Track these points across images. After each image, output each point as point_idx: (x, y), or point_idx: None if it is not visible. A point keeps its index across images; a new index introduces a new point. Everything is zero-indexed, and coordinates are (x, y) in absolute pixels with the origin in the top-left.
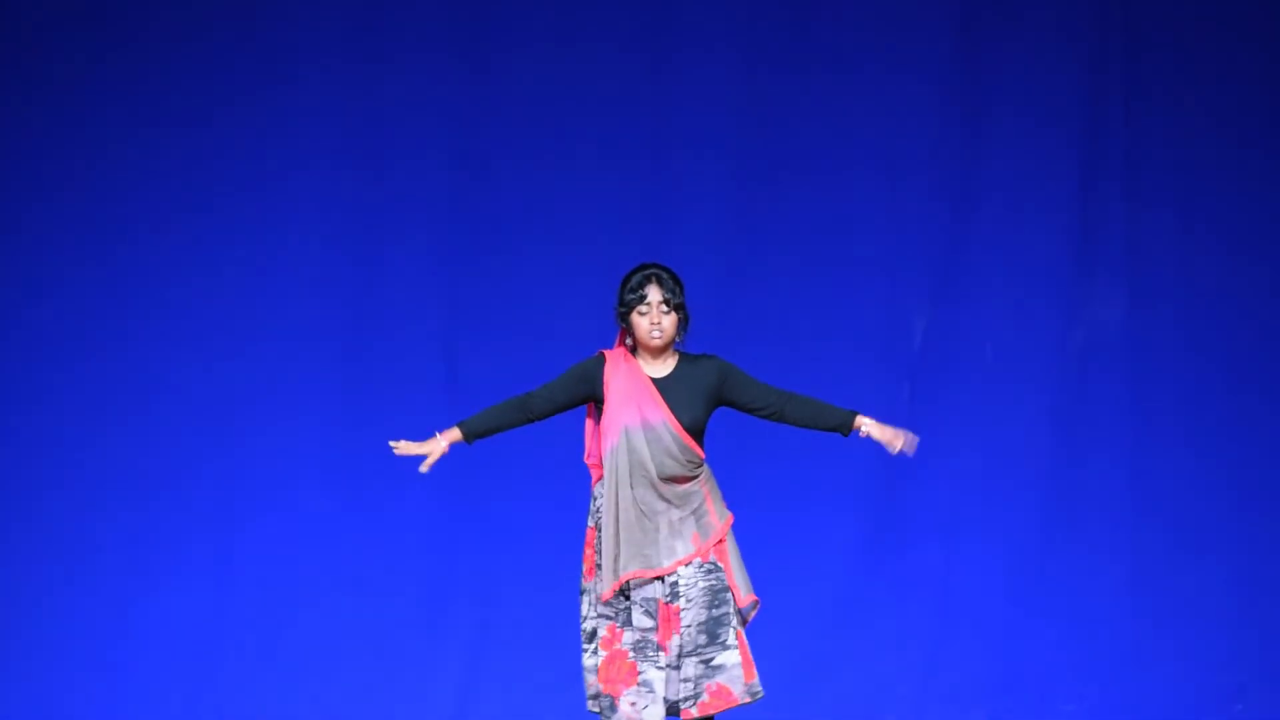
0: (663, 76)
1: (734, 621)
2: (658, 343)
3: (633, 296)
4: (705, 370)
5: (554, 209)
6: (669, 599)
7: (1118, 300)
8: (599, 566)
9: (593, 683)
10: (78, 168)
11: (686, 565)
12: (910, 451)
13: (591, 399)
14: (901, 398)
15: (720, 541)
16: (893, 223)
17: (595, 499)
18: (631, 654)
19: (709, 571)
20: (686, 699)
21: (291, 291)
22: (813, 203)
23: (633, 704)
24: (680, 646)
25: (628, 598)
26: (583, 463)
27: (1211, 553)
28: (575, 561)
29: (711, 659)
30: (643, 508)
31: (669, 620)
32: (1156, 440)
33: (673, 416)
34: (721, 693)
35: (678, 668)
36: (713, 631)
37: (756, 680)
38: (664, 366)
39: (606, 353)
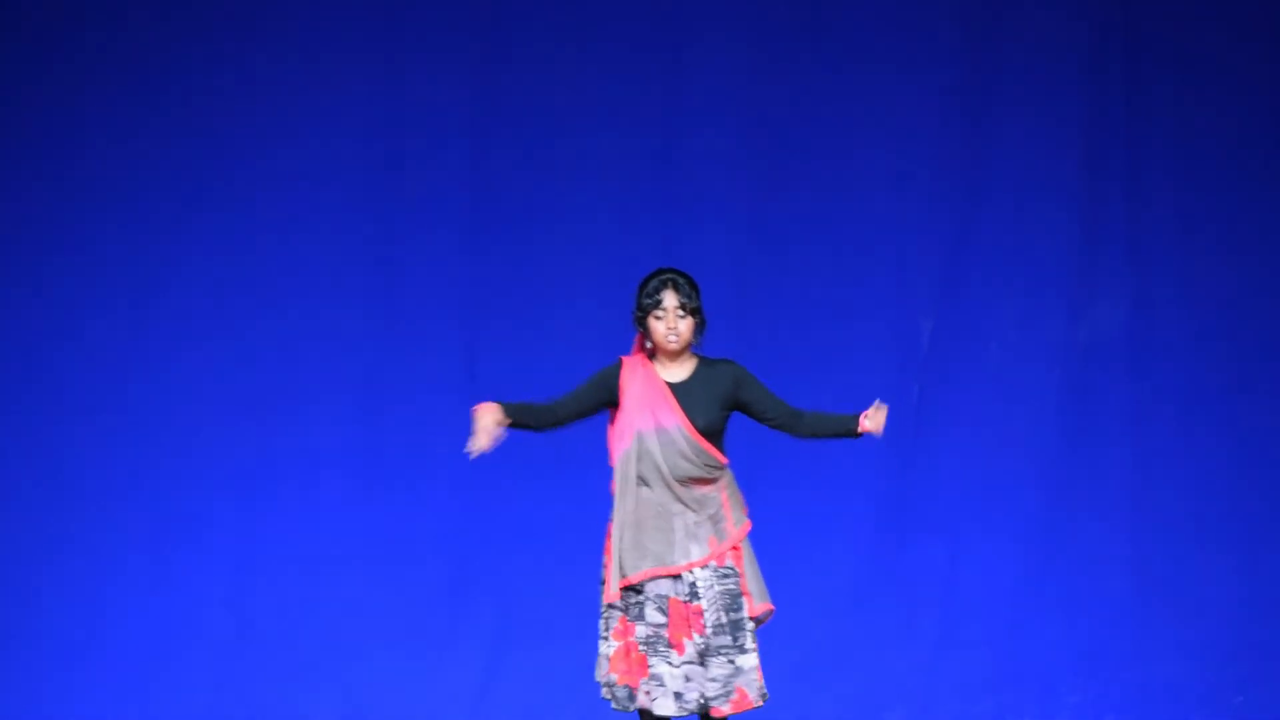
0: (673, 79)
1: (749, 625)
2: (674, 346)
3: (649, 301)
4: (722, 374)
5: (570, 212)
6: (687, 598)
7: (1120, 299)
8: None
9: (605, 671)
10: (102, 170)
11: (703, 568)
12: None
13: (611, 404)
14: (910, 397)
15: (735, 547)
16: (900, 226)
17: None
18: (642, 647)
19: (724, 575)
20: (717, 697)
21: (314, 293)
22: (821, 206)
23: (647, 693)
24: (703, 646)
25: (640, 593)
26: (604, 457)
27: (1213, 547)
28: (596, 551)
29: (733, 660)
30: (658, 509)
31: (686, 619)
32: (1159, 437)
33: (687, 420)
34: (741, 695)
35: (703, 665)
36: (734, 634)
37: (764, 682)
38: (681, 370)
39: (625, 359)
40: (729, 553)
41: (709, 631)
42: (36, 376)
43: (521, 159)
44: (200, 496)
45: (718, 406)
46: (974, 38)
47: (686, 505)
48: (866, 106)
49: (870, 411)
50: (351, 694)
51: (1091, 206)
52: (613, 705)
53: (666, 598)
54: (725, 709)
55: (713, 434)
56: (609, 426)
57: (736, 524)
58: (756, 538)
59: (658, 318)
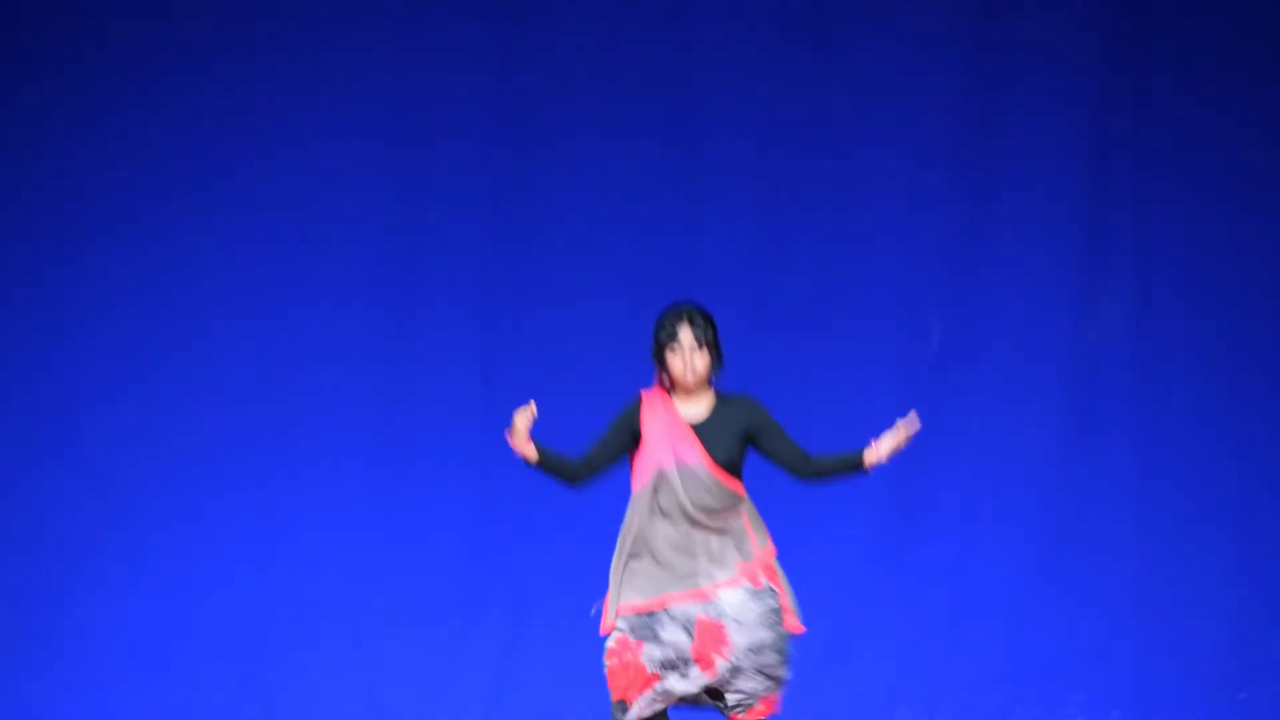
0: (689, 86)
1: (789, 643)
2: (691, 381)
3: (665, 336)
4: (740, 410)
5: (587, 214)
6: (717, 617)
7: (1126, 301)
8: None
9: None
10: (125, 175)
11: (731, 589)
12: (915, 428)
13: (636, 441)
14: (920, 397)
15: (769, 567)
16: (908, 229)
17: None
18: (653, 668)
19: (763, 595)
20: (736, 707)
21: (334, 295)
22: (832, 210)
23: (648, 704)
24: (732, 667)
25: (653, 616)
26: (623, 460)
27: (1217, 546)
28: (611, 550)
29: (776, 674)
30: (679, 540)
31: (715, 638)
32: (1164, 438)
33: (708, 456)
34: (769, 702)
35: (729, 680)
36: (780, 648)
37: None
38: (700, 406)
39: (644, 393)
40: (762, 573)
41: (746, 651)
42: (59, 373)
43: (539, 162)
44: (219, 495)
45: (737, 442)
46: (982, 43)
47: (709, 531)
48: (876, 111)
49: (881, 447)
50: (369, 692)
51: (1098, 209)
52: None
53: (694, 618)
54: (741, 717)
55: (733, 468)
56: (630, 459)
57: (761, 545)
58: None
59: (674, 352)
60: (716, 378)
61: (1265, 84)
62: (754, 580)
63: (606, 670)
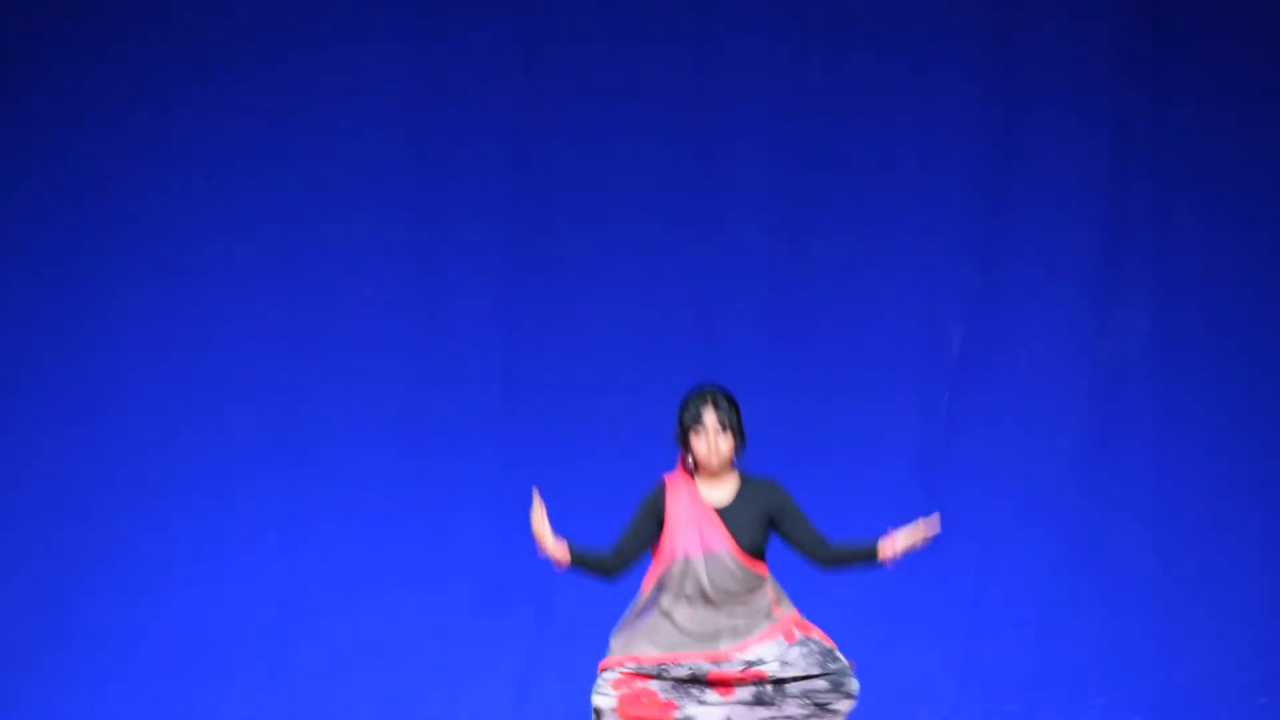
0: (710, 88)
1: (851, 672)
2: (715, 463)
3: (690, 419)
4: (764, 494)
5: (608, 217)
6: (740, 668)
7: (1146, 308)
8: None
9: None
10: (151, 176)
11: (762, 642)
12: (935, 530)
13: (661, 525)
14: (942, 404)
15: (799, 622)
16: (930, 235)
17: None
18: (665, 694)
19: (804, 643)
20: None
21: (355, 303)
22: (854, 217)
23: None
24: (765, 695)
25: (662, 665)
26: (640, 456)
27: (1237, 550)
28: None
29: (829, 704)
30: (701, 619)
31: (735, 677)
32: (1184, 442)
33: (734, 543)
34: None
35: (761, 705)
36: (836, 682)
37: None
38: (724, 490)
39: (667, 477)
40: (795, 628)
41: (792, 680)
42: (88, 383)
43: (561, 165)
44: (244, 499)
45: (761, 526)
46: (1002, 55)
47: (735, 613)
48: (897, 119)
49: (899, 540)
50: (392, 701)
51: (1117, 219)
52: None
53: (705, 671)
54: None
55: (758, 553)
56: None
57: (785, 611)
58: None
59: (698, 435)
60: (739, 460)
61: None
62: (788, 636)
63: (612, 705)
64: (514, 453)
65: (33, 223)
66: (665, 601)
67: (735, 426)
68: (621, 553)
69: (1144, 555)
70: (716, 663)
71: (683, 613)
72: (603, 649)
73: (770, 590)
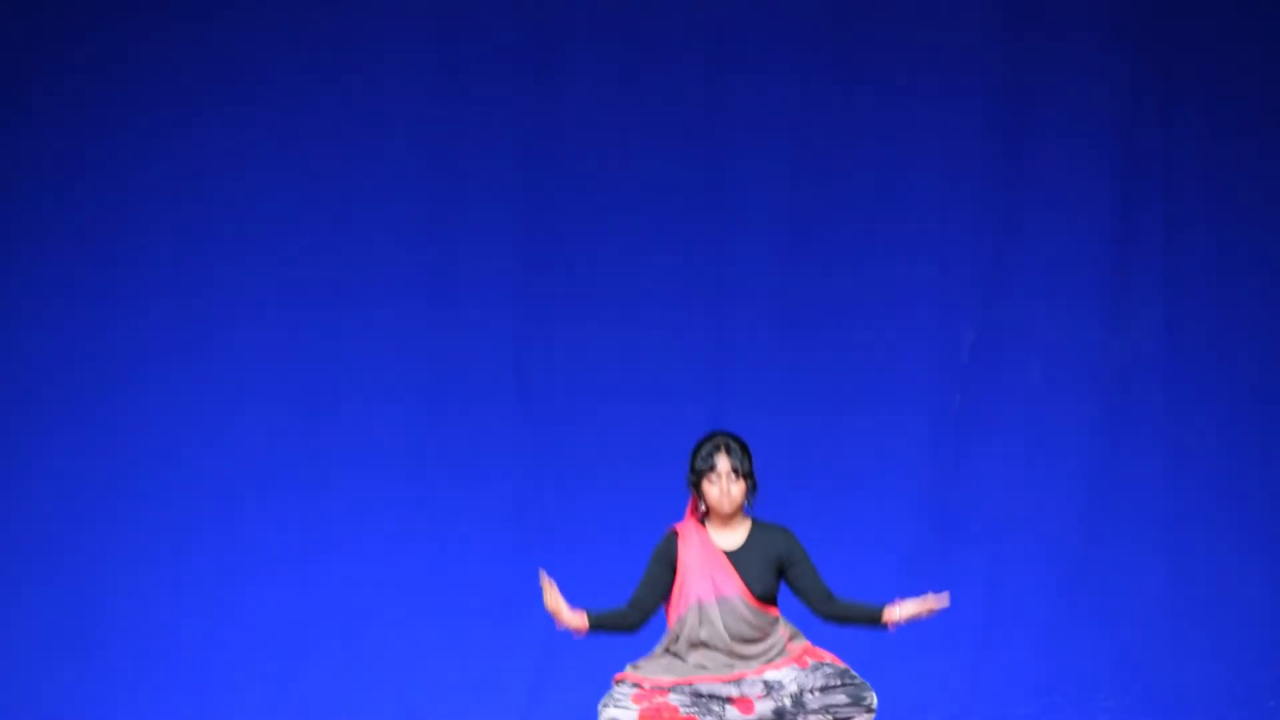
0: (720, 102)
1: (870, 688)
2: (727, 509)
3: (703, 465)
4: (776, 541)
5: (621, 227)
6: (760, 692)
7: (1156, 314)
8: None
9: None
10: (161, 184)
11: (778, 669)
12: (943, 604)
13: (674, 574)
14: (952, 407)
15: (812, 650)
16: (941, 243)
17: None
18: (686, 710)
19: (818, 667)
20: None
21: (369, 310)
22: (865, 226)
23: None
24: (780, 710)
25: (678, 687)
26: (654, 466)
27: (1247, 554)
28: (644, 559)
29: (849, 718)
30: (718, 660)
31: (756, 697)
32: (1193, 448)
33: (746, 589)
34: None
35: (789, 718)
36: (856, 696)
37: None
38: (736, 535)
39: (678, 527)
40: (808, 656)
41: (820, 710)
42: (108, 391)
43: (573, 176)
44: (261, 515)
45: (772, 572)
46: (1011, 61)
47: (748, 658)
48: (908, 132)
49: (903, 610)
50: (404, 713)
51: (1127, 225)
52: None
53: (725, 693)
54: None
55: (770, 599)
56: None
57: (799, 643)
58: (801, 538)
59: (711, 482)
60: (751, 506)
61: None
62: (802, 663)
63: (637, 715)
64: (527, 466)
65: (52, 235)
66: (680, 647)
67: (748, 473)
68: (640, 605)
69: (1153, 561)
70: (735, 682)
71: (698, 655)
72: (614, 664)
73: (783, 629)
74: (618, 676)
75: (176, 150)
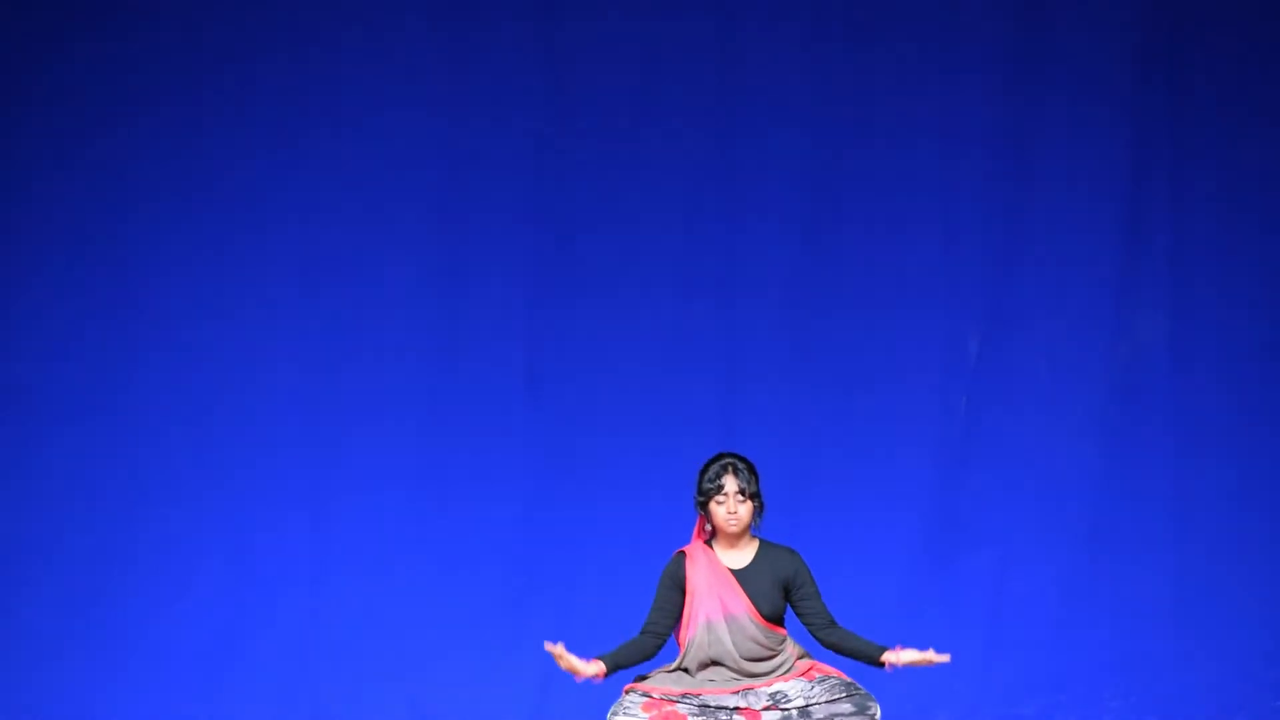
0: (730, 102)
1: (874, 699)
2: (735, 529)
3: (710, 486)
4: (783, 562)
5: (631, 230)
6: (766, 703)
7: (1163, 312)
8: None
9: None
10: (174, 188)
11: (785, 681)
12: (943, 660)
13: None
14: (959, 410)
15: (817, 665)
16: (947, 242)
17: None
18: (693, 718)
19: (824, 680)
20: None
21: (381, 313)
22: (872, 225)
23: None
24: (786, 719)
25: (685, 696)
26: (665, 461)
27: (1254, 555)
28: (654, 555)
29: None
30: (727, 678)
31: (762, 708)
32: (1201, 449)
33: (754, 608)
34: None
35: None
36: (860, 705)
37: None
38: (743, 555)
39: (685, 550)
40: (814, 670)
41: (818, 705)
42: (112, 382)
43: (583, 180)
44: (269, 502)
45: (779, 592)
46: (1021, 55)
47: (757, 674)
48: (916, 122)
49: (901, 656)
50: (415, 700)
51: (1135, 219)
52: None
53: (731, 705)
54: None
55: (777, 619)
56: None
57: (807, 661)
58: (806, 543)
59: (719, 502)
60: (758, 526)
61: None
62: (808, 676)
63: None
64: (537, 449)
65: (51, 235)
66: (691, 665)
67: (755, 494)
68: (654, 630)
69: (1160, 560)
70: (742, 694)
71: (708, 673)
72: (625, 671)
73: (792, 647)
74: (627, 687)
75: (177, 150)
